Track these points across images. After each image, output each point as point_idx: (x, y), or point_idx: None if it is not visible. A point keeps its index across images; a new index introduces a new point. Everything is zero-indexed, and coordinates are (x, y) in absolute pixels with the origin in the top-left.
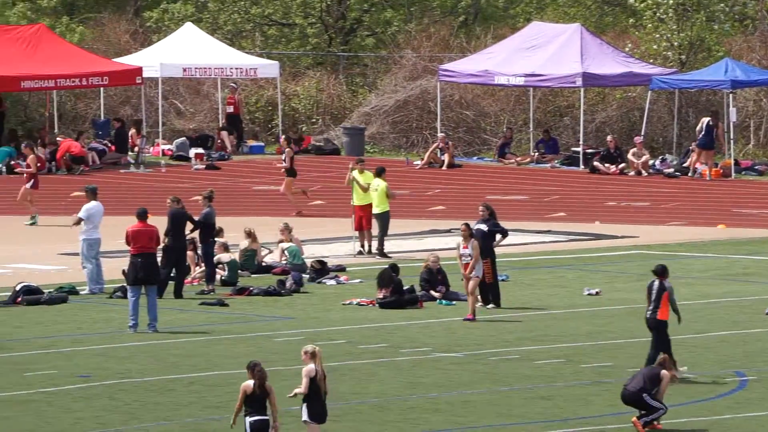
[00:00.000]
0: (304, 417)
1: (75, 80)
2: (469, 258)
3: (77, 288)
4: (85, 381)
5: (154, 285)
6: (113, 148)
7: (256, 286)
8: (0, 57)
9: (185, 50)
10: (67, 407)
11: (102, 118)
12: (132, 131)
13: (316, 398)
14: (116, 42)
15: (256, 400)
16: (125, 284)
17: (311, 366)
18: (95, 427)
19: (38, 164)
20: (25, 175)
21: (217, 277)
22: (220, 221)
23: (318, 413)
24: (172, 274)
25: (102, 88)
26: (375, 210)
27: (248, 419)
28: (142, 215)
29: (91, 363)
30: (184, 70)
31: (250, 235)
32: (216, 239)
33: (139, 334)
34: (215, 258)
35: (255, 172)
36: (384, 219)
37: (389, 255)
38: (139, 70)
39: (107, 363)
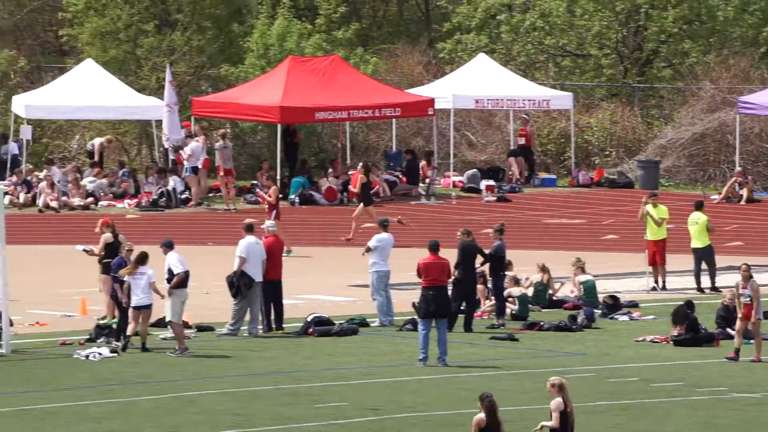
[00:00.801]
0: None
1: (368, 111)
2: (749, 299)
3: (367, 320)
4: (375, 414)
5: (445, 318)
6: (404, 179)
7: (546, 321)
8: (296, 88)
9: (478, 81)
10: None
11: (394, 149)
12: (423, 163)
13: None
14: (409, 73)
15: None
16: (415, 317)
17: (559, 399)
18: None
19: (279, 195)
20: (266, 206)
21: (507, 311)
22: (510, 254)
23: None
24: (462, 308)
25: (394, 120)
26: (695, 244)
27: None
28: (434, 248)
29: (380, 396)
30: (477, 101)
31: (543, 269)
32: (506, 273)
33: (428, 368)
34: (505, 292)
35: (546, 205)
36: (707, 254)
37: (705, 290)
38: (431, 102)
39: (397, 396)
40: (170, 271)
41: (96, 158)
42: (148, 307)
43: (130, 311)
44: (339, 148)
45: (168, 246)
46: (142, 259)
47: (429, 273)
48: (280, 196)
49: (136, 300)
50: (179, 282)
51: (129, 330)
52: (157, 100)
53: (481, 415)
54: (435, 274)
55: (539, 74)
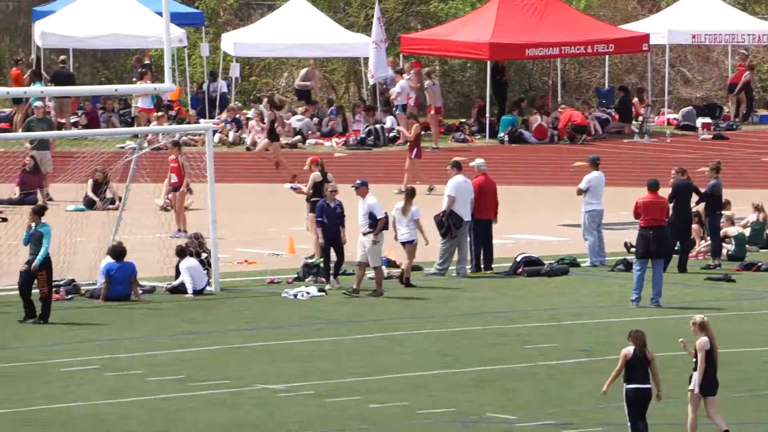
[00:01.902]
0: (693, 387)
1: (580, 48)
2: None
3: (578, 260)
4: (587, 355)
5: (662, 259)
6: (616, 117)
7: (765, 261)
8: (506, 25)
9: (694, 16)
10: (568, 382)
11: (606, 86)
12: (636, 100)
13: (710, 370)
14: (623, 8)
15: (637, 367)
16: (627, 257)
17: (704, 338)
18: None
19: (419, 133)
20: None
21: (723, 251)
22: (726, 194)
23: (710, 385)
24: (676, 248)
25: (607, 56)
26: None
27: (626, 386)
28: (654, 186)
29: (591, 337)
30: (693, 36)
31: (759, 208)
32: (722, 212)
33: (641, 309)
34: (722, 232)
35: (765, 142)
36: None
37: None
38: (645, 37)
39: (608, 337)
40: (371, 215)
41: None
42: (412, 242)
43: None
44: (549, 85)
45: (363, 186)
46: (411, 194)
47: (648, 212)
48: (479, 136)
49: (400, 236)
50: (384, 226)
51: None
52: (365, 37)
53: (630, 348)
54: (655, 213)
55: (759, 8)
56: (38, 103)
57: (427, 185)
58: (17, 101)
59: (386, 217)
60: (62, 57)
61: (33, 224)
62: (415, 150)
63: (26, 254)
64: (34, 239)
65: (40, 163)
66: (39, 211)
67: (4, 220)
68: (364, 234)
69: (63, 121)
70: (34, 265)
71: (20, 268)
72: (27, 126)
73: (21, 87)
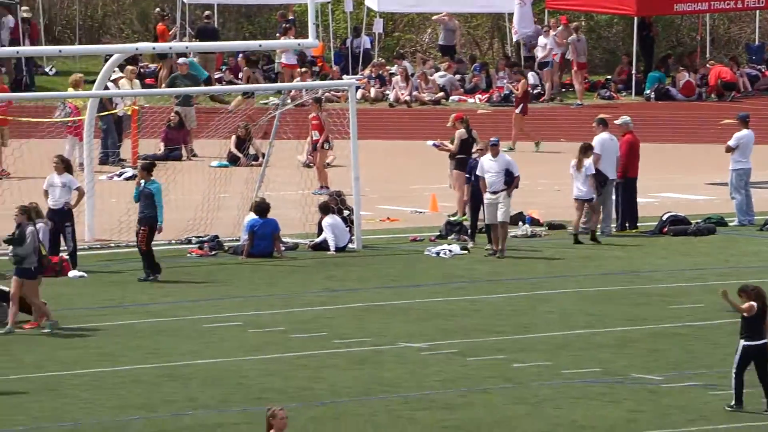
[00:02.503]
0: None
1: (730, 2)
2: None
3: (725, 219)
4: (734, 316)
5: None
6: (767, 73)
7: None
8: None
9: None
10: (715, 342)
11: (756, 42)
12: None
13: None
14: None
15: (757, 324)
16: None
17: (753, 303)
18: None
19: (528, 90)
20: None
21: None
22: None
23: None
24: None
25: (758, 11)
26: None
27: (743, 343)
28: None
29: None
30: None
31: None
32: None
33: None
34: None
35: None
36: None
37: None
38: None
39: None
40: (508, 172)
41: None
42: (591, 200)
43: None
44: (698, 41)
45: (496, 144)
46: (586, 149)
47: None
48: (625, 93)
49: (576, 192)
50: (517, 185)
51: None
52: None
53: (752, 302)
54: None
55: None
56: (183, 59)
57: (533, 141)
58: (162, 56)
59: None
60: (207, 12)
61: (142, 181)
62: (521, 106)
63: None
64: (144, 196)
65: (184, 118)
66: (148, 168)
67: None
68: (494, 193)
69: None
70: (145, 223)
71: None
72: (171, 81)
73: (166, 42)
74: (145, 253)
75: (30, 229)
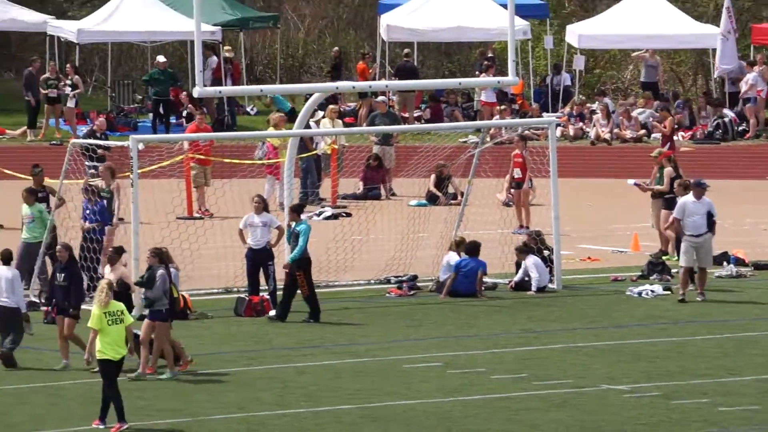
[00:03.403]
0: None
1: None
2: None
3: None
4: None
5: None
6: None
7: None
8: None
9: None
10: None
11: None
12: None
13: None
14: None
15: None
16: None
17: None
18: None
19: (673, 126)
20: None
21: None
22: None
23: None
24: None
25: None
26: None
27: None
28: None
29: None
30: None
31: None
32: None
33: None
34: None
35: None
36: None
37: None
38: None
39: None
40: (709, 215)
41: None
42: None
43: None
44: None
45: (700, 186)
46: None
47: None
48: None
49: None
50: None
51: None
52: (713, 28)
53: None
54: None
55: None
56: (382, 98)
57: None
58: (362, 95)
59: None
60: (406, 50)
61: (293, 223)
62: (669, 143)
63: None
64: (293, 237)
65: (383, 158)
66: (297, 209)
67: (348, 215)
68: (698, 236)
69: (406, 115)
70: (286, 263)
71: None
72: (371, 120)
73: (366, 81)
74: (308, 297)
75: (160, 272)
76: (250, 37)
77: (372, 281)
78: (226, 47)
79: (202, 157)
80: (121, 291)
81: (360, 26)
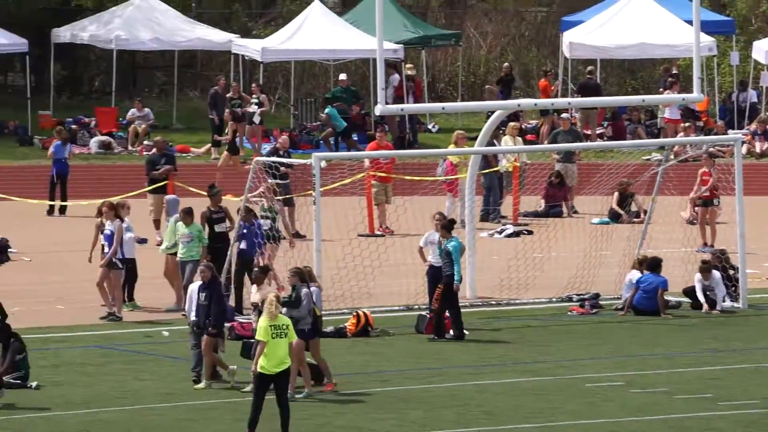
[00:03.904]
0: None
1: None
2: None
3: None
4: None
5: None
6: None
7: None
8: None
9: None
10: None
11: None
12: None
13: None
14: None
15: None
16: None
17: None
18: None
19: None
20: None
21: None
22: None
23: None
24: None
25: None
26: None
27: None
28: None
29: None
30: None
31: None
32: None
33: None
34: None
35: None
36: None
37: None
38: None
39: None
40: None
41: None
42: None
43: None
44: None
45: None
46: None
47: None
48: None
49: None
50: None
51: None
52: None
53: None
54: None
55: None
56: (564, 115)
57: None
58: (544, 113)
59: None
60: (589, 68)
61: (443, 239)
62: None
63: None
64: (445, 254)
65: (565, 175)
66: (447, 226)
67: (530, 233)
68: None
69: (589, 132)
70: (455, 284)
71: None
72: (553, 138)
73: (548, 98)
74: (437, 311)
75: (305, 291)
76: (432, 54)
77: (554, 299)
78: (407, 65)
79: (383, 174)
80: None
81: (542, 43)
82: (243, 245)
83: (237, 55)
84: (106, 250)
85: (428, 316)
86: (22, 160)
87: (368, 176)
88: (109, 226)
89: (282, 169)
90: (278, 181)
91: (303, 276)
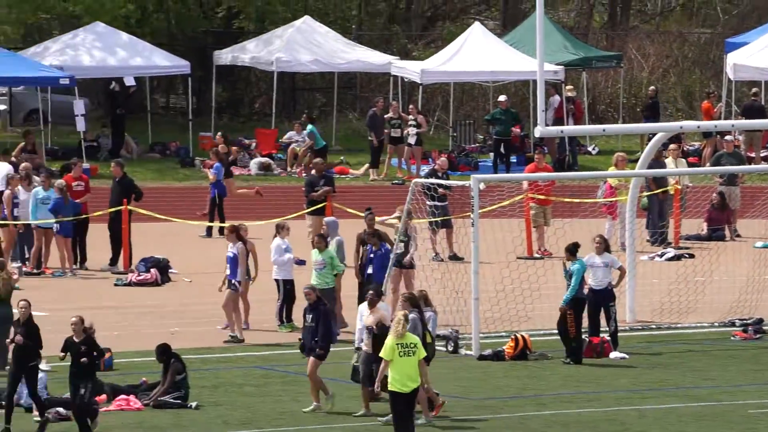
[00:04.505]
0: None
1: None
2: None
3: None
4: None
5: None
6: None
7: None
8: None
9: None
10: None
11: None
12: None
13: None
14: None
15: None
16: None
17: None
18: None
19: None
20: None
21: None
22: None
23: None
24: None
25: None
26: None
27: None
28: None
29: None
30: None
31: None
32: None
33: None
34: None
35: None
36: None
37: None
38: None
39: None
40: None
41: None
42: None
43: None
44: None
45: None
46: None
47: None
48: None
49: None
50: None
51: None
52: None
53: None
54: None
55: None
56: (728, 137)
57: None
58: (707, 135)
59: None
60: (754, 90)
61: (568, 263)
62: None
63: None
64: (568, 277)
65: (728, 198)
66: (571, 249)
67: (691, 256)
68: None
69: (753, 155)
70: (561, 305)
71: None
72: (716, 160)
73: (711, 120)
74: (573, 337)
75: (412, 316)
76: (593, 76)
77: (716, 324)
78: (568, 86)
79: (542, 197)
80: (380, 334)
81: (705, 65)
82: (370, 270)
83: (396, 76)
84: (228, 272)
85: (587, 339)
86: (184, 181)
87: (527, 198)
88: (231, 249)
89: (440, 190)
90: (437, 203)
91: (415, 301)
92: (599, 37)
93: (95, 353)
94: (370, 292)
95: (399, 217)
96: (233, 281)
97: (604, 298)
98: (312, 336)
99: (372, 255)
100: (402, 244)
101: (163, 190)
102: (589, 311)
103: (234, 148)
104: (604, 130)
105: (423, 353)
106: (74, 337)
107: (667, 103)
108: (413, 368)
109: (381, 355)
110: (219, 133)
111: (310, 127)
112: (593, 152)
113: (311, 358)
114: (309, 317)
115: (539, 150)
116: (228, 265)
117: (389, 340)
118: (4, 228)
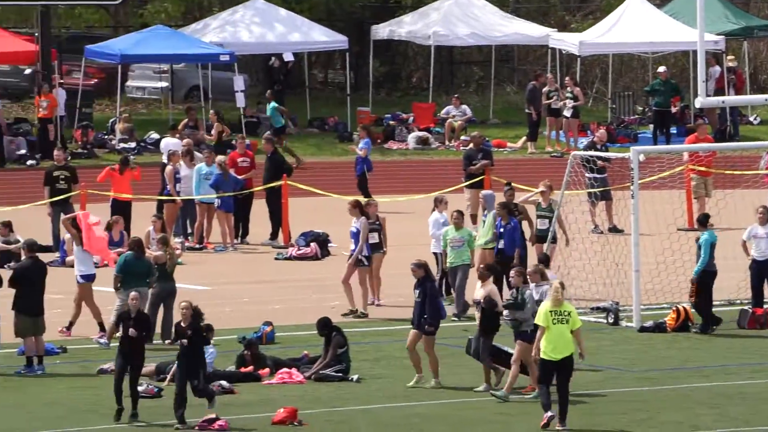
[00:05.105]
0: None
1: None
2: None
3: None
4: None
5: None
6: None
7: None
8: None
9: None
10: None
11: None
12: None
13: None
14: None
15: None
16: None
17: None
18: None
19: None
20: None
21: None
22: None
23: None
24: None
25: None
26: None
27: None
28: None
29: None
30: None
31: None
32: None
33: None
34: None
35: None
36: None
37: None
38: None
39: None
40: None
41: None
42: None
43: None
44: None
45: None
46: None
47: None
48: None
49: None
50: None
51: None
52: None
53: None
54: None
55: None
56: None
57: None
58: None
59: None
60: None
61: (699, 233)
62: None
63: None
64: (698, 249)
65: None
66: (701, 220)
67: None
68: None
69: None
70: (692, 276)
71: None
72: None
73: None
74: (695, 305)
75: (528, 292)
76: (754, 45)
77: None
78: (729, 56)
79: (702, 168)
80: (487, 308)
81: None
82: (500, 245)
83: (554, 49)
84: (352, 247)
85: (750, 310)
86: (342, 156)
87: (687, 170)
88: (354, 224)
89: (599, 163)
90: (595, 175)
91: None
92: (761, 5)
93: (195, 339)
94: (482, 267)
95: (543, 192)
96: (360, 256)
97: (767, 269)
98: (420, 312)
99: (501, 230)
100: (546, 220)
101: (321, 165)
102: (753, 282)
103: (226, 127)
104: (766, 100)
105: (578, 322)
106: (182, 323)
107: None
108: (565, 336)
109: (536, 321)
110: (212, 111)
111: (271, 105)
112: (755, 122)
113: (424, 337)
114: (416, 293)
115: (700, 121)
116: (352, 240)
117: (543, 306)
118: (168, 203)
